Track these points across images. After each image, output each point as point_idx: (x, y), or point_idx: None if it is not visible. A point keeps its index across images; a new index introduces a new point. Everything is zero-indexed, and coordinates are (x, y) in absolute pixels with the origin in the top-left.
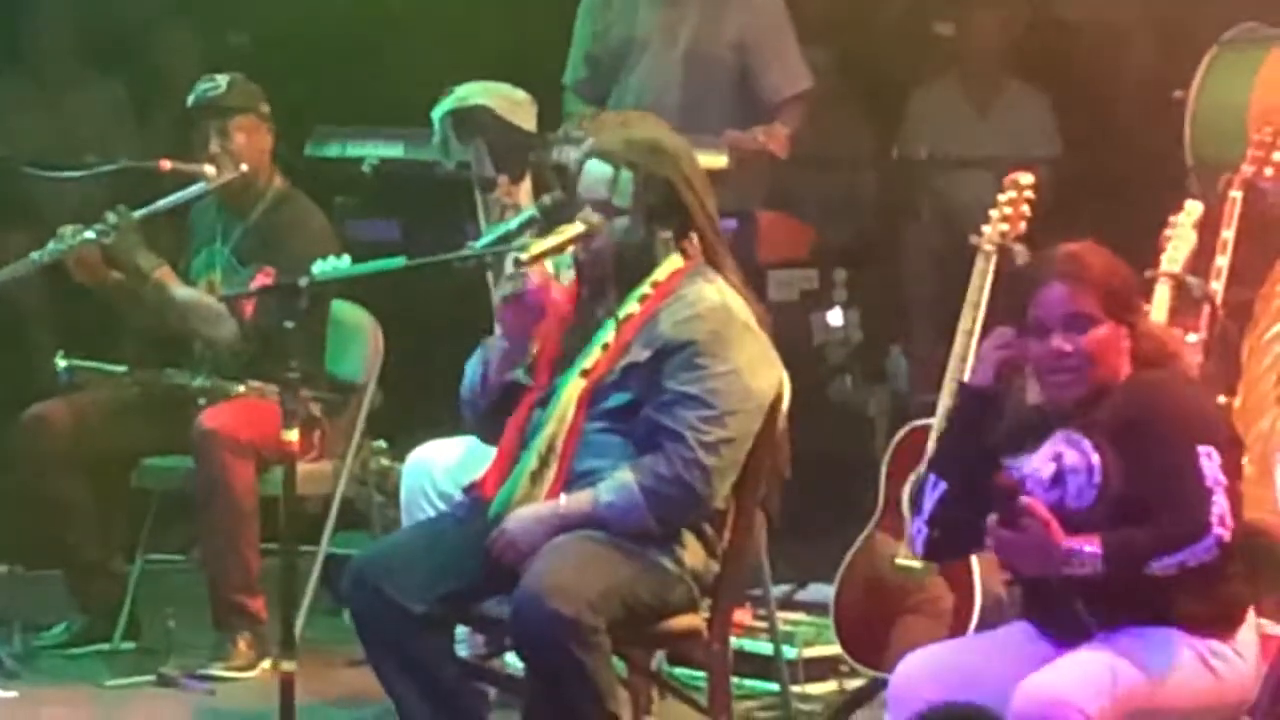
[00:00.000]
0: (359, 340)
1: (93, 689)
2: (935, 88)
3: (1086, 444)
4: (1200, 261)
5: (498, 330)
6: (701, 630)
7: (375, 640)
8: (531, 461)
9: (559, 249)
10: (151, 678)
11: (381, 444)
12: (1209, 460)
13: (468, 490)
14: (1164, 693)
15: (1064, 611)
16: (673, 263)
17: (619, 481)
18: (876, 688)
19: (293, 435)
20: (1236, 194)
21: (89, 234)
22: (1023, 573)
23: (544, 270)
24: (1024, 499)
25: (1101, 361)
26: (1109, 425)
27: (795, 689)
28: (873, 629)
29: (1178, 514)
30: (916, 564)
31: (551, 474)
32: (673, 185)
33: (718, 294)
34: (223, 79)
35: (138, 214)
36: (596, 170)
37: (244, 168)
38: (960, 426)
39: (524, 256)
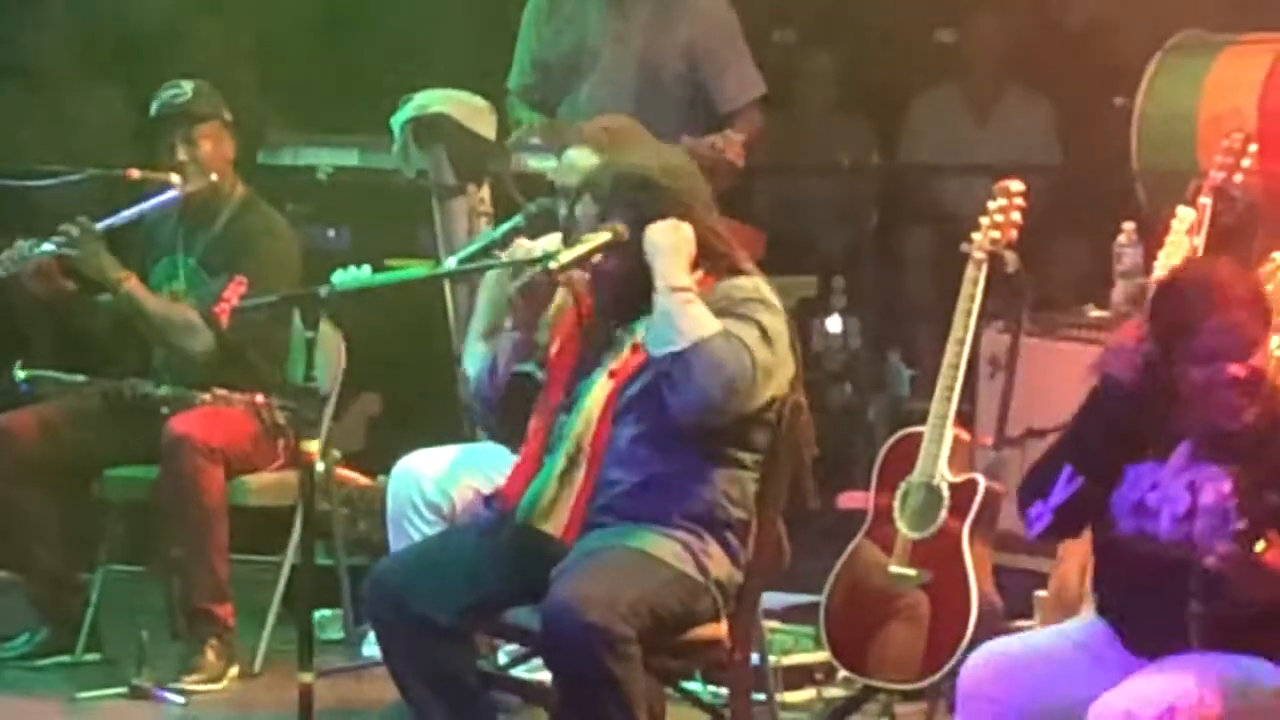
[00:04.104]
0: (322, 350)
1: (63, 701)
2: (935, 95)
3: (1228, 487)
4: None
5: (508, 323)
6: (724, 640)
7: (397, 651)
8: (560, 462)
9: (587, 257)
10: (122, 690)
11: (335, 454)
12: None
13: (488, 501)
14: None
15: (1161, 622)
16: (697, 274)
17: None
18: (867, 694)
19: (313, 446)
20: (1206, 200)
21: (47, 246)
22: (1248, 593)
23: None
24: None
25: (1265, 380)
26: (1236, 446)
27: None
28: (862, 636)
29: None
30: (911, 572)
31: (581, 474)
32: (669, 212)
33: (751, 283)
34: (187, 85)
35: (100, 225)
36: (591, 211)
37: (214, 176)
38: (1104, 423)
39: (554, 266)
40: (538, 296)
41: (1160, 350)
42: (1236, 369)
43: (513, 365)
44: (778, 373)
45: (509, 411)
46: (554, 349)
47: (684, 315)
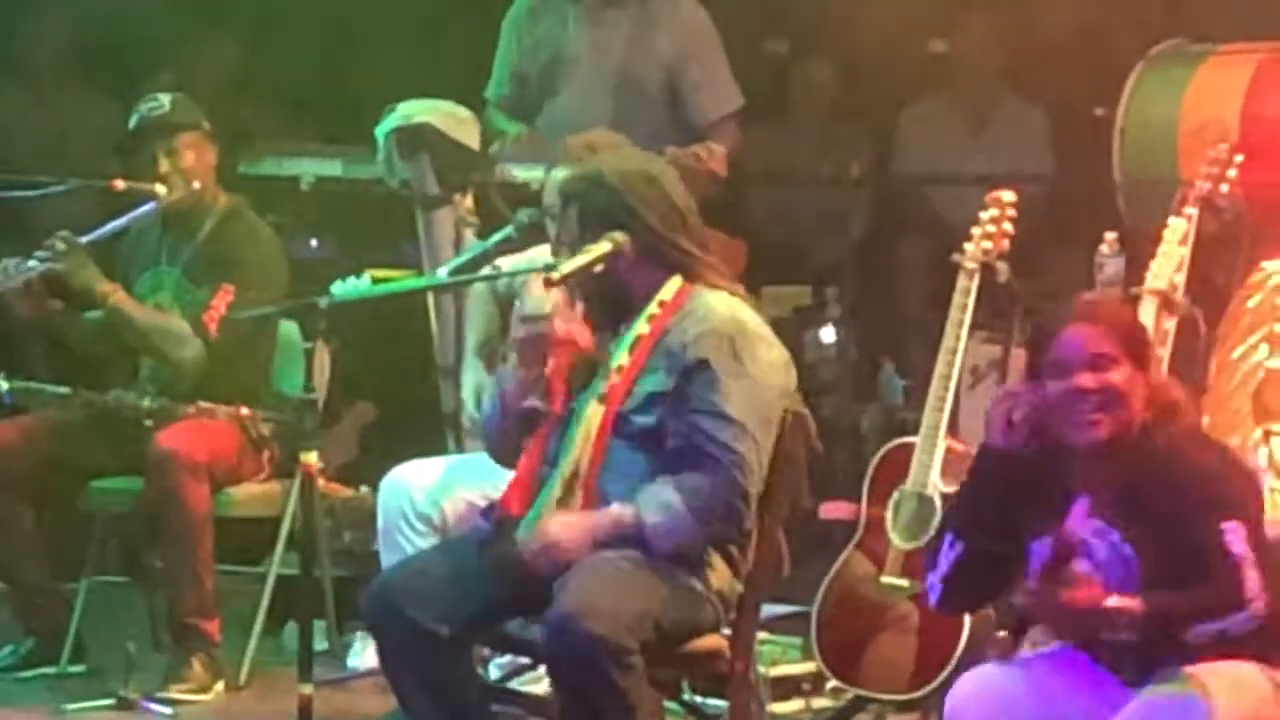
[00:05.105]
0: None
1: (50, 713)
2: (928, 105)
3: (1115, 536)
4: (1129, 278)
5: (511, 360)
6: (725, 651)
7: (397, 662)
8: (556, 488)
9: (587, 267)
10: (109, 701)
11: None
12: (1235, 535)
13: (486, 513)
14: None
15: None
16: (676, 282)
17: (662, 501)
18: (859, 705)
19: (312, 457)
20: (1193, 210)
21: (33, 262)
22: (1060, 635)
23: (558, 298)
24: (1076, 565)
25: (1123, 403)
26: (1130, 498)
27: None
28: (854, 647)
29: (1214, 588)
30: (903, 583)
31: (577, 500)
32: (612, 214)
33: (727, 306)
34: (165, 97)
35: (86, 238)
36: (553, 209)
37: (196, 185)
38: (979, 489)
39: (555, 276)
40: (540, 345)
41: (1032, 376)
42: (1085, 379)
43: (520, 403)
44: (771, 429)
45: (519, 445)
46: (550, 364)
47: (668, 546)
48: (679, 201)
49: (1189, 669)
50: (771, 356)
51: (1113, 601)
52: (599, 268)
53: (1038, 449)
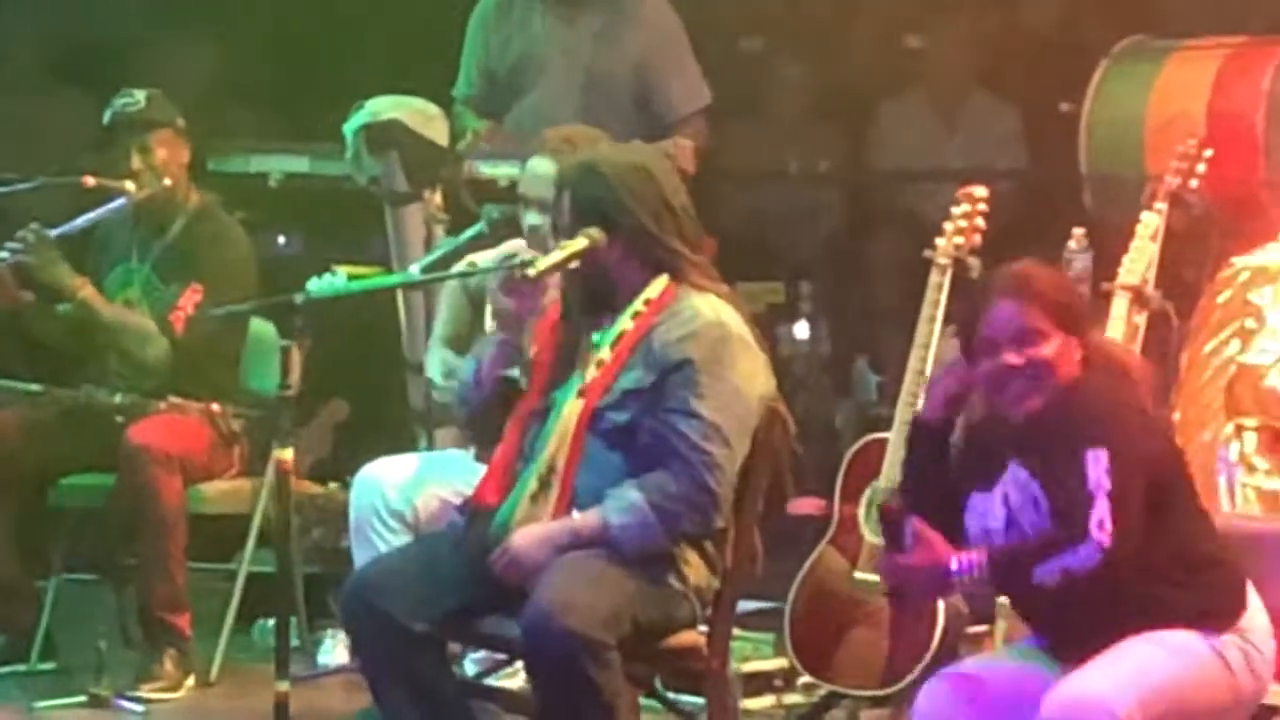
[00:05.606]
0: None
1: (21, 711)
2: (903, 101)
3: (1024, 475)
4: (1097, 273)
5: (490, 326)
6: (701, 647)
7: (373, 659)
8: (531, 483)
9: (563, 264)
10: (80, 699)
11: None
12: (1095, 464)
13: (462, 507)
14: (1188, 691)
15: (1067, 635)
16: (662, 281)
17: (627, 501)
18: (832, 700)
19: (287, 454)
20: (1162, 205)
21: (2, 254)
22: (914, 597)
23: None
24: (912, 521)
25: (1054, 373)
26: (1041, 438)
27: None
28: (827, 642)
29: (1058, 519)
30: (876, 578)
31: (553, 495)
32: (603, 205)
33: (712, 310)
34: (140, 94)
35: (54, 232)
36: (529, 198)
37: (168, 182)
38: (918, 462)
39: (531, 273)
40: (524, 297)
41: (965, 354)
42: (1013, 357)
43: (498, 370)
44: (746, 435)
45: (492, 418)
46: (532, 351)
47: (634, 546)
48: (671, 199)
49: (1125, 642)
50: (754, 362)
51: (957, 557)
52: (574, 264)
53: (980, 419)
